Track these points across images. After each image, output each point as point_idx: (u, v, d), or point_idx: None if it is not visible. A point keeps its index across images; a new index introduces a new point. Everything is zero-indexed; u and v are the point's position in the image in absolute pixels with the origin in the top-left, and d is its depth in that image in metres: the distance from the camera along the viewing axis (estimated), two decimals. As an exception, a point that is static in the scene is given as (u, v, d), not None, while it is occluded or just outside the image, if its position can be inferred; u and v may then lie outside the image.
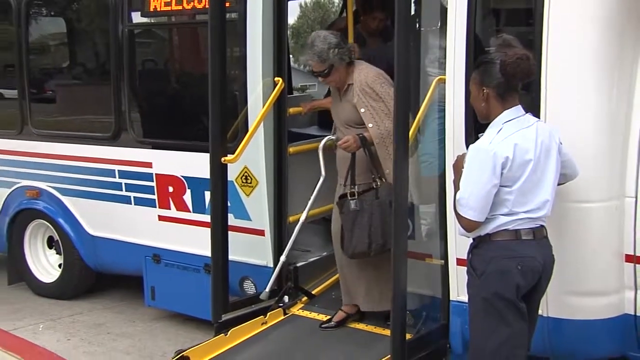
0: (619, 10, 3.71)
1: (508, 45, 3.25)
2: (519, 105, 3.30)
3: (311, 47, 4.37)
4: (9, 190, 6.48)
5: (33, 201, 6.32)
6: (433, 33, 4.44)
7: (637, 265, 3.74)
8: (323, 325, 4.60)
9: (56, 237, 6.37)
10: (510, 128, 3.23)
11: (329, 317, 4.65)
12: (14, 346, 5.28)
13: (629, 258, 3.74)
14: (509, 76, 3.18)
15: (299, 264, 4.96)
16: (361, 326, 4.58)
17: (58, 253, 6.48)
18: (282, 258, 4.67)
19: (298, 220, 4.69)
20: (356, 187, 4.34)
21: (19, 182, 6.41)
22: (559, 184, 3.41)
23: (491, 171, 3.16)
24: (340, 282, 4.71)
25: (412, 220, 4.29)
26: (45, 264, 6.62)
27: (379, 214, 4.28)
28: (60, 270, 6.46)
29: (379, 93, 4.34)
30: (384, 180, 4.34)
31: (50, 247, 6.60)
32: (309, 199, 4.71)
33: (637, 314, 3.77)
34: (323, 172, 4.62)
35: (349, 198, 4.34)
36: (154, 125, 5.71)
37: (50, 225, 6.36)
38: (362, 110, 4.33)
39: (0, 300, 6.45)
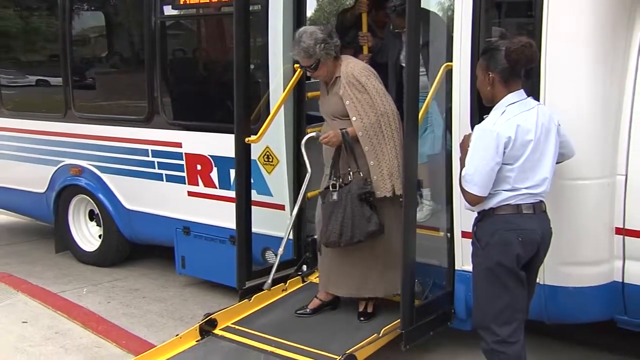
0: (612, 0, 3.63)
1: (508, 36, 3.22)
2: (522, 90, 3.26)
3: (298, 43, 4.14)
4: (55, 168, 6.48)
5: (76, 178, 6.32)
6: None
7: (625, 237, 3.72)
8: (298, 312, 4.44)
9: (96, 210, 6.39)
10: (513, 110, 3.19)
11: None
12: (62, 307, 5.35)
13: (619, 231, 3.73)
14: (514, 62, 3.14)
15: (316, 236, 4.91)
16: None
17: (98, 225, 6.49)
18: (280, 251, 4.50)
19: (316, 196, 4.62)
20: (340, 179, 4.15)
21: (63, 161, 6.41)
22: (557, 163, 3.36)
23: (494, 150, 3.13)
24: (319, 271, 4.56)
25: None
26: (87, 235, 6.64)
27: (350, 207, 4.06)
28: (100, 240, 6.48)
29: (364, 85, 4.12)
30: (360, 174, 4.13)
31: (91, 219, 6.62)
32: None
33: (625, 281, 3.75)
34: (309, 168, 4.42)
35: (331, 190, 4.16)
36: (183, 108, 5.67)
37: (91, 200, 6.36)
38: (347, 102, 4.12)
39: (49, 267, 6.50)
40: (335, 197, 4.12)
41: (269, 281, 4.46)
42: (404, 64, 4.88)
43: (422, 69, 4.70)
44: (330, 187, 4.15)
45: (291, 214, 4.60)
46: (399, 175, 4.07)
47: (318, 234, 4.42)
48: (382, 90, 4.18)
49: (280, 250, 4.48)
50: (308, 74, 4.38)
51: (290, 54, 4.29)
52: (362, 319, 4.29)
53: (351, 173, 4.13)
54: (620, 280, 3.76)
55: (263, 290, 4.48)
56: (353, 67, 4.19)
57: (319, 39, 4.11)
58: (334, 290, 4.40)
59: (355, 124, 4.09)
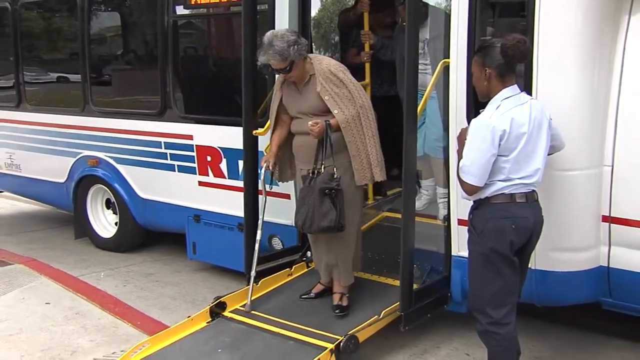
0: (599, 3, 3.59)
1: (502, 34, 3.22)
2: (516, 85, 3.22)
3: (270, 47, 3.90)
4: (74, 159, 6.46)
5: (93, 169, 6.29)
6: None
7: (611, 224, 3.70)
8: (303, 296, 4.38)
9: (113, 199, 6.35)
10: (507, 104, 3.15)
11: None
12: (82, 289, 5.36)
13: (605, 218, 3.71)
14: (509, 58, 3.11)
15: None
16: (374, 277, 4.49)
17: (114, 213, 6.46)
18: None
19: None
20: (321, 167, 3.97)
21: (81, 152, 6.38)
22: (548, 155, 3.32)
23: (490, 142, 3.09)
24: (314, 258, 4.46)
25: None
26: (104, 222, 6.61)
27: (312, 198, 3.94)
28: (116, 227, 6.46)
29: (342, 79, 3.98)
30: (333, 169, 3.96)
31: (107, 208, 6.59)
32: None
33: (610, 266, 3.74)
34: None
35: (310, 176, 4.02)
36: (194, 103, 5.64)
37: (107, 189, 6.33)
38: (326, 97, 3.96)
39: (69, 252, 6.48)
40: (308, 183, 4.01)
41: (248, 303, 4.30)
42: None
43: (428, 65, 4.64)
44: (310, 172, 4.03)
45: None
46: (377, 163, 4.01)
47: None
48: (358, 84, 4.10)
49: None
50: (281, 76, 4.13)
51: (261, 59, 3.99)
52: (337, 311, 4.13)
53: (323, 167, 3.98)
54: (606, 265, 3.75)
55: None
56: (328, 64, 4.05)
57: (291, 41, 3.92)
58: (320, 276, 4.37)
59: (338, 116, 3.95)
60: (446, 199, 4.51)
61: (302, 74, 4.06)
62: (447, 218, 4.04)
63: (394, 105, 4.91)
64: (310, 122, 3.97)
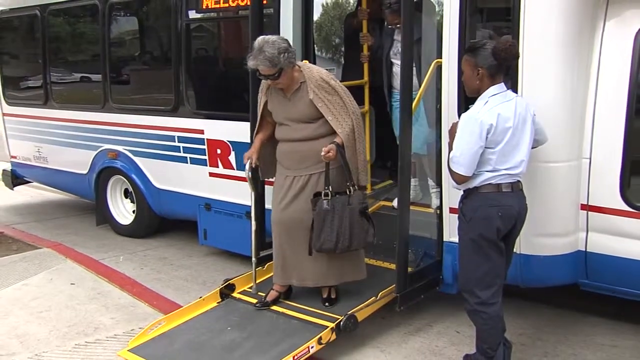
0: (578, 4, 3.57)
1: (489, 36, 3.24)
2: (502, 83, 3.20)
3: (261, 52, 3.64)
4: (95, 152, 6.43)
5: (113, 161, 6.27)
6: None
7: (589, 212, 3.69)
8: (258, 305, 4.06)
9: (130, 189, 6.33)
10: (494, 101, 3.13)
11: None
12: (103, 272, 5.36)
13: (584, 207, 3.70)
14: (501, 59, 3.10)
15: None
16: (372, 261, 4.45)
17: (132, 202, 6.44)
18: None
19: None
20: (330, 188, 3.74)
21: (102, 146, 6.35)
22: (532, 148, 3.30)
23: (478, 135, 3.08)
24: (276, 262, 4.09)
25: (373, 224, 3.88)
26: (123, 210, 6.58)
27: (349, 218, 3.71)
28: (133, 215, 6.44)
29: (333, 87, 3.76)
30: (356, 187, 3.80)
31: (126, 197, 6.56)
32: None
33: (587, 250, 3.74)
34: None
35: (323, 198, 3.73)
36: (205, 100, 5.58)
37: (126, 180, 6.31)
38: (320, 104, 3.73)
39: (91, 237, 6.47)
40: (326, 205, 3.71)
41: (254, 285, 4.17)
42: (393, 60, 4.77)
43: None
44: (323, 195, 3.75)
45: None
46: (363, 168, 3.88)
47: (273, 213, 4.04)
48: (347, 91, 3.88)
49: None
50: (268, 82, 3.86)
51: (250, 63, 3.72)
52: (326, 304, 3.97)
53: (350, 187, 3.77)
54: (584, 249, 3.74)
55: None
56: (319, 72, 3.83)
57: (282, 48, 3.66)
58: (298, 282, 4.03)
59: (333, 124, 3.74)
60: (437, 190, 4.50)
61: (290, 82, 3.80)
62: (440, 206, 4.01)
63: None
64: (323, 151, 3.68)
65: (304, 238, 3.85)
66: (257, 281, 4.30)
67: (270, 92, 3.95)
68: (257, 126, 4.10)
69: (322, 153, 3.69)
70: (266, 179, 4.37)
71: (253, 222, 4.27)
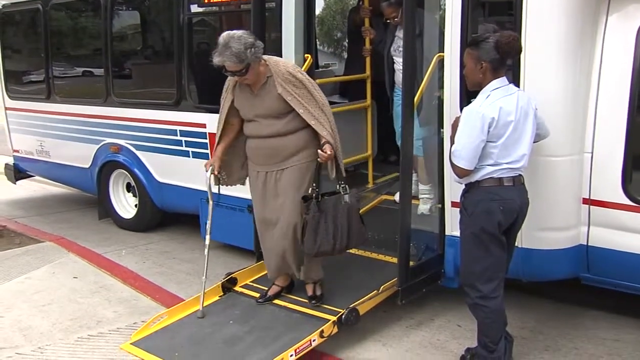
0: (581, 3, 3.55)
1: (494, 30, 3.16)
2: (504, 77, 3.19)
3: (227, 48, 3.50)
4: (97, 146, 6.43)
5: (115, 155, 6.26)
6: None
7: (591, 206, 3.68)
8: (259, 299, 4.04)
9: (133, 183, 6.32)
10: (496, 94, 3.12)
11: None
12: (106, 265, 5.38)
13: (585, 201, 3.69)
14: (504, 53, 3.09)
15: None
16: (373, 255, 4.45)
17: (134, 196, 6.44)
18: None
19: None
20: (317, 189, 3.68)
21: (104, 140, 6.35)
22: (534, 142, 3.30)
23: (480, 129, 3.07)
24: (269, 261, 4.03)
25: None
26: (125, 204, 6.59)
27: (346, 217, 3.62)
28: (136, 209, 6.44)
29: (301, 80, 3.65)
30: (347, 187, 3.69)
31: (128, 191, 6.56)
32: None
33: (589, 244, 3.73)
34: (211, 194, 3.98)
35: (314, 200, 3.64)
36: (207, 94, 5.55)
37: (128, 174, 6.30)
38: (289, 98, 3.62)
39: (93, 231, 6.47)
40: (317, 210, 3.62)
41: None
42: (393, 56, 4.75)
43: None
44: (314, 197, 3.66)
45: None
46: (342, 160, 3.75)
47: (255, 212, 4.00)
48: (315, 83, 3.78)
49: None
50: (235, 78, 3.73)
51: (216, 60, 3.58)
52: (313, 302, 3.91)
53: (342, 186, 3.69)
54: (585, 244, 3.74)
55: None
56: (286, 65, 3.71)
57: (248, 44, 3.54)
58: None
59: (305, 115, 3.64)
60: (426, 195, 4.48)
61: (257, 77, 3.67)
62: (441, 201, 4.00)
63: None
64: (321, 157, 3.58)
65: (279, 233, 3.81)
66: (260, 275, 4.30)
67: (237, 90, 3.83)
68: (219, 134, 3.91)
69: (321, 156, 3.58)
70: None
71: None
